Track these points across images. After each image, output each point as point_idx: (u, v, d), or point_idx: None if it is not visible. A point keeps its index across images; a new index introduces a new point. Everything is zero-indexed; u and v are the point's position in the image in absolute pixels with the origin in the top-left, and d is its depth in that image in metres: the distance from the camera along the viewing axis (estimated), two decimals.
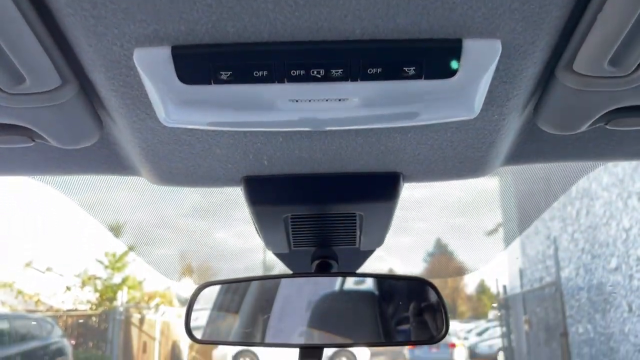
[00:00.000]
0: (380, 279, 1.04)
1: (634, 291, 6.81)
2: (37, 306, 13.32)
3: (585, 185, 8.03)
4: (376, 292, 1.05)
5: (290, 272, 1.14)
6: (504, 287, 11.95)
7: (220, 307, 1.11)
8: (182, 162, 0.70)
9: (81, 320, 12.78)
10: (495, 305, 11.99)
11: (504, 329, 11.82)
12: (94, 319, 12.81)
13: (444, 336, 0.94)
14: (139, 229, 1.18)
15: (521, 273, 10.67)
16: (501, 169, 0.97)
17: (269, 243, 0.97)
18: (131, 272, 14.93)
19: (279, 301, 1.04)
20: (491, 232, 1.17)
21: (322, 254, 0.99)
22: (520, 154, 0.74)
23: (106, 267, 14.28)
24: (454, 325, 21.99)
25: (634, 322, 6.82)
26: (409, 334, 1.01)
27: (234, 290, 1.11)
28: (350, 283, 1.05)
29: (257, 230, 0.91)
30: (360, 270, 1.13)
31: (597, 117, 0.60)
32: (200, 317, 1.09)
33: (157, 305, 14.49)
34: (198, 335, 1.06)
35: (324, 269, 0.99)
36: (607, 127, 0.63)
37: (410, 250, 1.27)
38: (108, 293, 13.53)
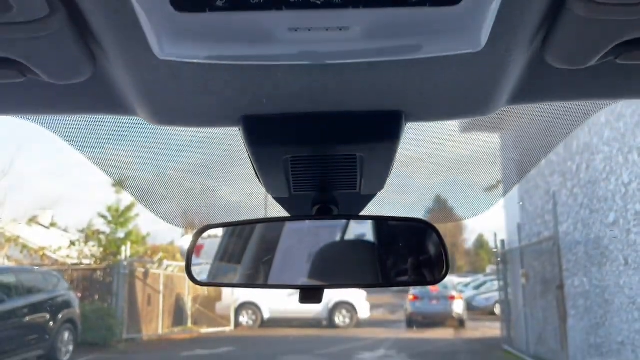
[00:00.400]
0: (380, 221, 1.04)
1: (630, 245, 6.89)
2: (42, 260, 13.53)
3: (587, 139, 8.00)
4: (376, 235, 1.05)
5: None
6: (502, 241, 12.08)
7: (224, 252, 1.12)
8: (179, 99, 0.68)
9: (86, 274, 13.01)
10: (496, 250, 12.12)
11: (501, 282, 12.04)
12: (98, 272, 13.03)
13: (444, 277, 0.95)
14: (140, 175, 1.18)
15: (519, 228, 10.77)
16: (503, 112, 0.96)
17: (269, 187, 0.96)
18: (134, 226, 15.11)
19: (280, 245, 1.05)
20: (490, 178, 1.17)
21: (323, 198, 0.98)
22: (526, 92, 0.72)
23: (109, 222, 14.42)
24: (452, 279, 22.42)
25: (629, 275, 6.93)
26: (410, 276, 1.02)
27: (237, 235, 1.12)
28: (350, 226, 1.06)
29: (256, 173, 0.89)
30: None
31: (608, 49, 0.58)
32: (203, 272, 1.09)
33: (160, 260, 14.71)
34: (200, 278, 1.07)
35: (324, 214, 0.99)
36: (618, 61, 0.61)
37: (408, 198, 1.27)
38: (112, 247, 13.71)
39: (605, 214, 7.53)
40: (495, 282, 14.98)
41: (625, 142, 6.95)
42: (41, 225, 16.78)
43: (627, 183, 6.94)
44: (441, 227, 0.99)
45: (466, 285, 23.97)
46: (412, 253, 1.03)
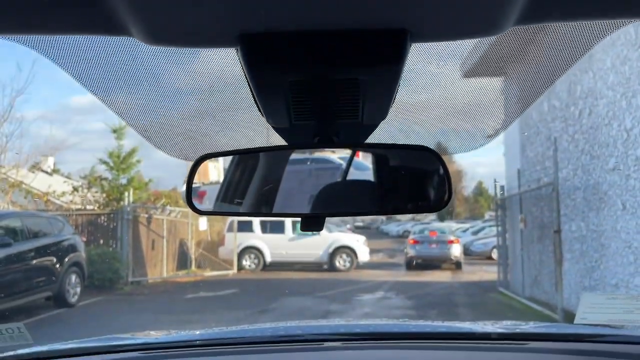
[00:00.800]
0: (383, 148, 1.03)
1: (629, 190, 6.95)
2: (46, 206, 13.69)
3: (591, 84, 7.91)
4: (378, 163, 1.05)
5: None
6: (502, 187, 12.17)
7: (227, 183, 1.12)
8: (174, 16, 0.66)
9: (90, 219, 13.19)
10: (496, 184, 12.20)
11: (500, 228, 12.22)
12: (102, 218, 13.21)
13: (446, 204, 0.94)
14: (142, 107, 1.16)
15: (519, 174, 10.82)
16: (505, 39, 0.95)
17: (269, 114, 0.93)
18: (136, 173, 15.20)
19: (282, 175, 1.04)
20: (490, 110, 1.17)
21: (324, 128, 0.95)
22: (537, 10, 0.68)
23: (111, 168, 14.49)
24: (450, 224, 22.78)
25: (626, 220, 7.03)
26: (411, 203, 1.02)
27: (240, 167, 1.12)
28: (353, 157, 1.06)
29: (255, 101, 0.87)
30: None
31: None
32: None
33: (163, 205, 14.87)
34: (200, 207, 1.05)
35: (326, 143, 0.96)
36: None
37: (407, 132, 1.26)
38: (114, 193, 13.83)
39: (605, 160, 7.56)
40: (493, 228, 15.29)
41: (630, 86, 6.88)
42: (44, 171, 16.86)
43: (629, 128, 6.92)
44: None
45: (464, 231, 24.32)
46: (414, 180, 1.02)
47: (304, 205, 1.04)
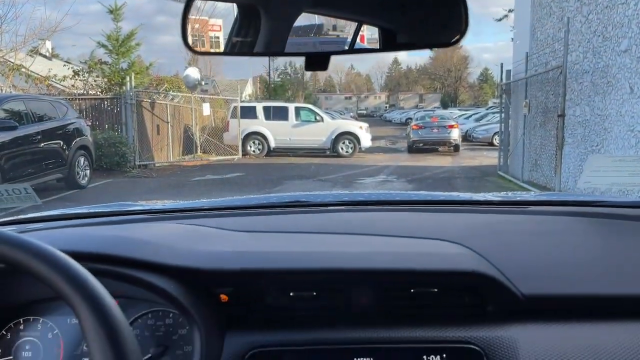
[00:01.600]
0: None
1: (639, 73, 6.83)
2: (48, 90, 13.57)
3: None
4: None
5: None
6: (508, 72, 11.94)
7: (238, 28, 1.07)
8: None
9: (94, 104, 13.15)
10: (504, 74, 11.98)
11: (503, 113, 12.18)
12: (106, 102, 13.16)
13: (462, 36, 0.89)
14: None
15: (527, 57, 10.57)
16: None
17: None
18: (136, 57, 14.87)
19: (285, 18, 0.97)
20: None
21: None
22: None
23: (110, 51, 14.14)
24: (453, 111, 22.61)
25: (632, 104, 6.99)
26: (425, 37, 0.97)
27: (248, 11, 1.06)
28: None
29: None
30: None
31: None
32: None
33: (165, 90, 14.73)
34: (197, 47, 1.02)
35: None
36: None
37: None
38: (116, 78, 13.64)
39: (617, 42, 7.34)
40: (496, 115, 15.26)
41: None
42: (42, 55, 16.49)
43: None
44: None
45: (467, 117, 24.28)
46: (427, 12, 0.95)
47: (310, 44, 1.00)
